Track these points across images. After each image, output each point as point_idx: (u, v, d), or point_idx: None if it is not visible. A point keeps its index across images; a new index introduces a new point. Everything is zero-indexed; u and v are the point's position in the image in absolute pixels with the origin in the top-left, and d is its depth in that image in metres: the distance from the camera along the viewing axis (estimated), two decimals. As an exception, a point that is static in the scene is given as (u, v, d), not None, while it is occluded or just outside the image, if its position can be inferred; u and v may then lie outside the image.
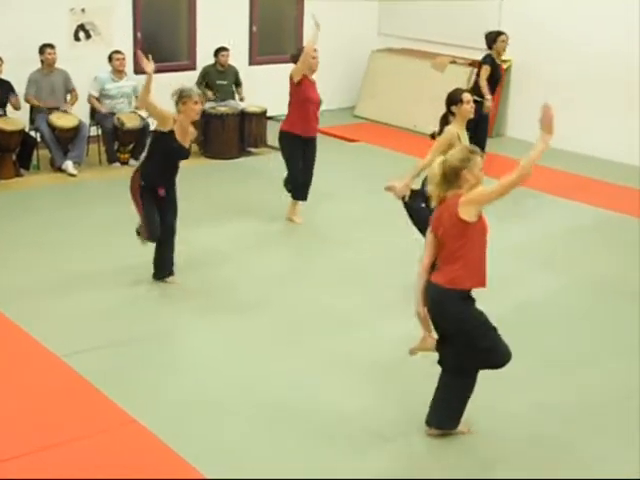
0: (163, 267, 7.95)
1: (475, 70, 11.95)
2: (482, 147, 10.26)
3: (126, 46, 12.38)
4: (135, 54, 12.49)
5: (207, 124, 12.26)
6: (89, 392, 6.13)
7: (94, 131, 11.76)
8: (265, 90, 13.00)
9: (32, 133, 11.27)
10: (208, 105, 12.36)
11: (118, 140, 11.70)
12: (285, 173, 9.65)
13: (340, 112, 14.78)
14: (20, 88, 11.17)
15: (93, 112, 11.80)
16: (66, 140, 11.28)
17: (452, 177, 5.38)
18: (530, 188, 10.87)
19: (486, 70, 10.91)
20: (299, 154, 9.41)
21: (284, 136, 9.48)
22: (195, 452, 5.48)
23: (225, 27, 13.37)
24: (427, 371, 5.91)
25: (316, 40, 9.21)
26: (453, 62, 13.97)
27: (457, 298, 5.41)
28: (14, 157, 11.05)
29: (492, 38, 11.10)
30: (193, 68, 12.99)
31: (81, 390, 6.16)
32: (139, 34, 12.80)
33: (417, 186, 7.71)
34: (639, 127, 12.17)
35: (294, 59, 9.39)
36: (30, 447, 5.48)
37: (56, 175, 11.23)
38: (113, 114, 11.56)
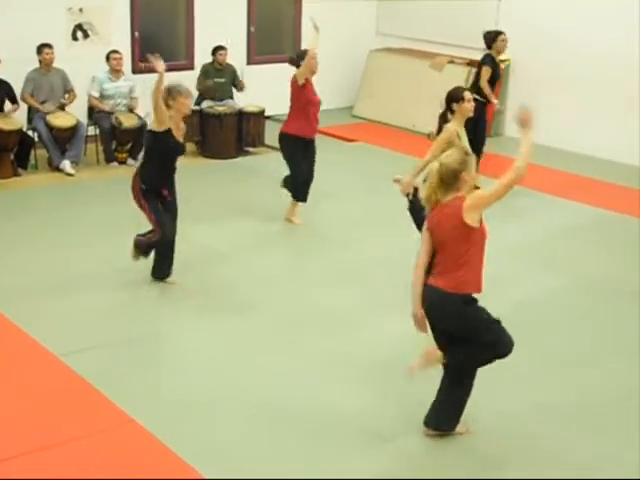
0: (163, 267, 7.93)
1: (473, 70, 11.95)
2: (481, 147, 10.26)
3: (124, 46, 12.38)
4: (132, 54, 12.59)
5: (205, 124, 12.25)
6: (87, 392, 6.11)
7: (92, 130, 11.74)
8: (263, 90, 12.98)
9: (30, 133, 11.25)
10: (206, 105, 12.36)
11: (116, 139, 11.68)
12: (284, 173, 9.63)
13: (338, 112, 14.76)
14: (18, 88, 11.16)
15: (91, 111, 11.78)
16: (64, 140, 11.26)
17: (451, 180, 5.37)
18: (530, 188, 10.90)
19: (487, 71, 10.90)
20: (300, 155, 9.39)
21: (285, 138, 9.44)
22: (193, 452, 5.46)
23: (223, 27, 13.36)
24: (426, 371, 5.88)
25: (318, 43, 9.21)
26: (451, 62, 13.98)
27: (460, 302, 5.42)
28: (12, 157, 11.03)
29: (492, 37, 11.08)
30: (191, 68, 12.97)
31: (79, 390, 6.15)
32: (137, 34, 12.79)
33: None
34: (639, 127, 12.17)
35: (293, 62, 9.36)
36: (29, 447, 5.46)
37: (54, 175, 11.21)
38: (111, 113, 11.54)
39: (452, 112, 7.73)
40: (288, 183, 9.61)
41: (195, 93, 12.31)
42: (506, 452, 5.68)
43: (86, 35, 12.37)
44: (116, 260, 8.31)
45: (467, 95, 7.71)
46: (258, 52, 14.17)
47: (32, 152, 11.25)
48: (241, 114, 12.44)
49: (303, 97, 9.22)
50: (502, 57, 11.66)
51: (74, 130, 11.23)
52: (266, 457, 5.51)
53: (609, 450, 5.74)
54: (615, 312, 7.76)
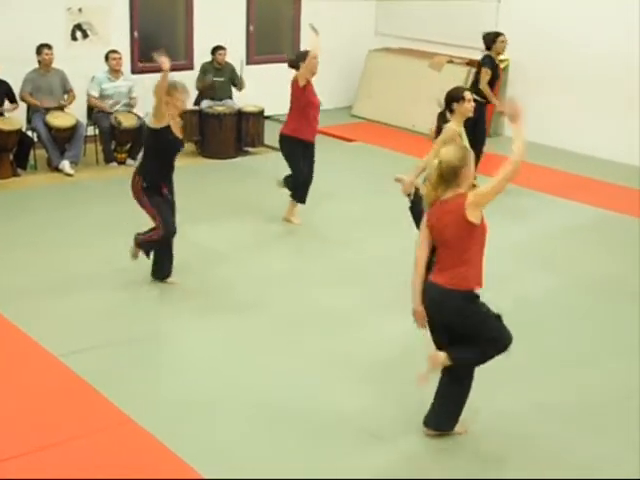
0: (163, 267, 7.92)
1: (473, 70, 11.94)
2: (481, 147, 10.26)
3: (123, 46, 12.37)
4: (131, 54, 12.58)
5: (204, 124, 12.25)
6: (86, 392, 6.11)
7: (91, 131, 11.74)
8: (262, 89, 12.98)
9: (29, 133, 11.24)
10: (205, 104, 12.35)
11: (115, 140, 11.67)
12: (283, 173, 9.62)
13: (337, 112, 14.76)
14: (17, 88, 11.15)
15: (90, 112, 11.77)
16: (63, 140, 11.25)
17: (451, 176, 5.37)
18: (530, 188, 10.92)
19: (487, 73, 10.90)
20: (300, 155, 9.38)
21: (285, 140, 9.41)
22: (192, 452, 5.46)
23: (222, 27, 13.36)
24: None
25: (318, 45, 9.19)
26: (450, 61, 13.98)
27: (462, 298, 5.41)
28: (11, 157, 11.03)
29: (491, 39, 11.08)
30: (190, 68, 12.96)
31: (78, 390, 6.14)
32: (136, 34, 12.78)
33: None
34: (639, 127, 12.16)
35: (292, 64, 9.34)
36: (28, 447, 5.46)
37: (53, 175, 11.20)
38: (110, 113, 11.54)
39: (451, 112, 7.73)
40: (288, 182, 9.60)
41: (194, 93, 12.34)
42: (506, 452, 5.68)
43: (85, 35, 12.37)
44: (116, 260, 8.30)
45: (467, 95, 7.71)
46: (257, 52, 14.16)
47: (31, 152, 11.23)
48: (240, 114, 12.42)
49: (304, 98, 9.21)
50: (501, 57, 11.64)
51: (73, 130, 11.22)
52: (266, 457, 5.50)
53: (609, 450, 5.73)
54: (615, 312, 7.75)
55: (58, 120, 11.17)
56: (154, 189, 7.60)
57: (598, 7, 12.52)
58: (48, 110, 11.21)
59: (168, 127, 7.53)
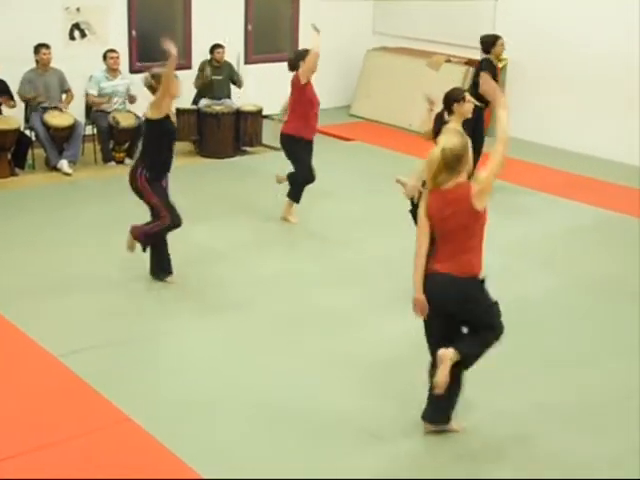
0: (162, 266, 7.91)
1: (470, 69, 11.93)
2: (481, 147, 10.24)
3: (121, 45, 12.38)
4: (129, 53, 12.57)
5: (202, 123, 12.24)
6: (85, 391, 6.09)
7: (89, 130, 11.73)
8: (261, 89, 12.97)
9: (27, 132, 11.23)
10: (203, 104, 12.34)
11: (113, 139, 11.65)
12: (282, 171, 9.62)
13: (335, 111, 14.75)
14: (15, 88, 11.13)
15: (88, 111, 11.76)
16: (61, 139, 11.24)
17: (454, 163, 5.34)
18: (531, 188, 10.92)
19: (486, 78, 10.89)
20: (302, 152, 9.36)
21: (288, 139, 9.37)
22: (191, 452, 5.44)
23: (220, 26, 13.34)
24: (427, 370, 5.87)
25: (319, 44, 9.17)
26: (448, 61, 13.96)
27: (471, 285, 5.43)
28: (9, 156, 11.01)
29: (491, 42, 11.09)
30: (189, 67, 12.94)
31: (77, 390, 6.13)
32: (134, 33, 12.77)
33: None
34: (639, 127, 12.16)
35: (291, 64, 9.31)
36: (26, 446, 5.45)
37: (51, 174, 11.18)
38: (108, 113, 11.52)
39: (450, 113, 7.72)
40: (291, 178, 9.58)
41: (192, 92, 12.34)
42: (506, 452, 5.67)
43: (83, 34, 12.35)
44: (114, 259, 8.28)
45: (467, 96, 7.72)
46: (255, 51, 14.15)
47: (29, 152, 11.22)
48: (239, 113, 12.41)
49: (305, 97, 9.18)
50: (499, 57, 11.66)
51: (71, 129, 11.21)
52: (266, 457, 5.49)
53: (609, 450, 5.72)
54: (615, 312, 7.74)
55: (56, 119, 11.15)
56: (156, 180, 7.62)
57: (598, 7, 12.50)
58: (46, 109, 11.19)
59: (168, 116, 7.60)
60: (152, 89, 7.60)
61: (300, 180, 9.46)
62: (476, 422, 5.90)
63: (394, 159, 12.04)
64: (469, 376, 5.72)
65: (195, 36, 13.29)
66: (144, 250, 7.85)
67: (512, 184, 10.66)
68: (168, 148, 7.73)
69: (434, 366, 5.59)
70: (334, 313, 7.49)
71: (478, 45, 11.31)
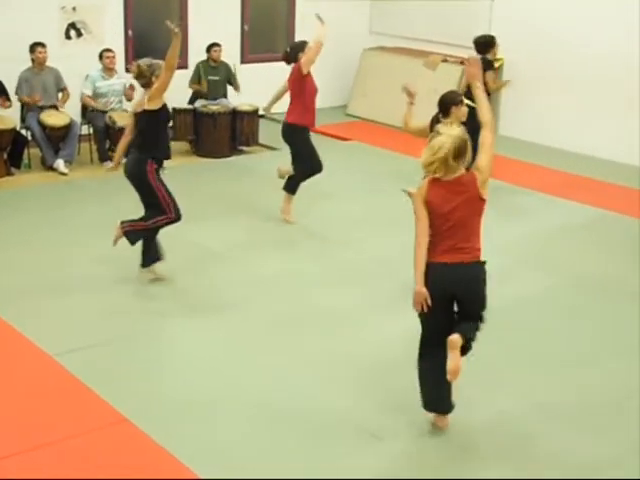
0: (151, 252, 7.86)
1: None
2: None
3: (117, 44, 12.37)
4: (125, 52, 12.55)
5: (199, 123, 12.23)
6: (82, 391, 6.07)
7: (85, 130, 11.70)
8: (257, 88, 12.92)
9: (23, 131, 11.20)
10: (199, 104, 12.32)
11: (109, 139, 11.60)
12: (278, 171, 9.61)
13: (332, 111, 14.73)
14: (10, 87, 11.09)
15: (84, 110, 11.74)
16: (57, 139, 11.21)
17: (463, 150, 5.40)
18: (530, 188, 10.91)
19: (492, 76, 10.97)
20: (307, 143, 9.31)
21: (293, 129, 9.28)
22: (189, 452, 5.43)
23: (217, 26, 13.33)
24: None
25: (324, 34, 9.15)
26: (445, 60, 13.94)
27: (481, 269, 5.50)
28: (5, 156, 10.98)
29: (489, 43, 11.11)
30: (185, 67, 12.90)
31: (74, 389, 6.10)
32: (130, 32, 12.75)
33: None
34: (639, 127, 12.16)
35: (287, 56, 9.29)
36: (22, 446, 5.43)
37: (47, 174, 11.16)
38: (105, 112, 11.49)
39: (446, 115, 7.70)
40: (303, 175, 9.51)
41: (188, 92, 12.32)
42: (506, 452, 5.65)
43: (79, 34, 12.33)
44: (110, 259, 8.25)
45: (464, 99, 7.74)
46: (252, 51, 14.14)
47: (25, 151, 11.19)
48: (235, 113, 12.40)
49: (306, 86, 9.14)
50: (496, 57, 11.71)
51: (67, 129, 11.18)
52: (266, 457, 5.47)
53: (609, 450, 5.72)
54: (615, 312, 7.73)
55: (52, 119, 11.11)
56: (157, 169, 7.65)
57: (598, 7, 12.50)
58: (42, 109, 11.16)
59: (165, 105, 7.65)
60: (144, 79, 7.59)
61: (309, 171, 9.39)
62: (476, 422, 5.88)
63: (391, 159, 12.04)
64: (469, 376, 5.72)
65: (191, 36, 13.25)
66: (132, 244, 7.79)
67: (511, 184, 10.66)
68: (165, 134, 7.84)
69: (426, 361, 5.64)
70: (334, 313, 7.48)
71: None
